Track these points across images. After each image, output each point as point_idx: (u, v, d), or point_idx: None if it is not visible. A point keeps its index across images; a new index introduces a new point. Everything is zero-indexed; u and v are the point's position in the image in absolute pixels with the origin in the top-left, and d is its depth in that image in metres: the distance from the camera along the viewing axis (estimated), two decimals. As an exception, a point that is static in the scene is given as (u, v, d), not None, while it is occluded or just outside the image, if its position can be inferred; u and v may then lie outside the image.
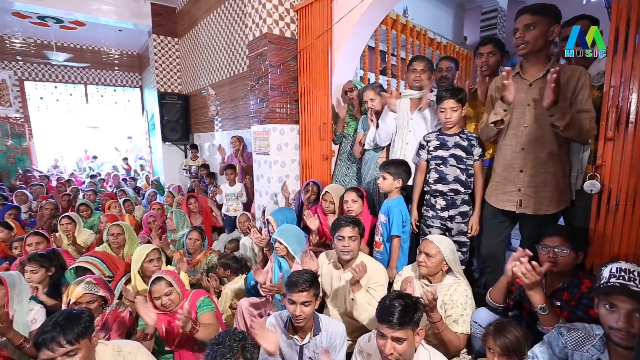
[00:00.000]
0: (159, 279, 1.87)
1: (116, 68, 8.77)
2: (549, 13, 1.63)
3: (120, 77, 8.86)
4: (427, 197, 2.25)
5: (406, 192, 2.34)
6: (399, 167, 2.22)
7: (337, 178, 3.07)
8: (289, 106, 3.30)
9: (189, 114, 6.25)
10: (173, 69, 6.36)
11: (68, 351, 1.23)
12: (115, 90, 8.93)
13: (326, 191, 2.65)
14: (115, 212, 4.09)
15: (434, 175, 2.17)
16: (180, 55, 6.35)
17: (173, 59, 6.34)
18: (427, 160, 2.22)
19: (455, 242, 1.99)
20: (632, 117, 1.50)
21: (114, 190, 5.76)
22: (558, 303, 1.54)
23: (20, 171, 7.03)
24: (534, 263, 1.40)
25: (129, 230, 2.96)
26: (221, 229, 4.14)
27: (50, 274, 2.24)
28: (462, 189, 2.11)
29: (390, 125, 2.49)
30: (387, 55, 3.88)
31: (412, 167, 2.30)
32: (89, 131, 9.86)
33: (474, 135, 2.13)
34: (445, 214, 2.15)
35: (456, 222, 2.14)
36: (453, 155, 2.11)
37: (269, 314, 2.02)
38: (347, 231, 1.94)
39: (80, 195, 5.03)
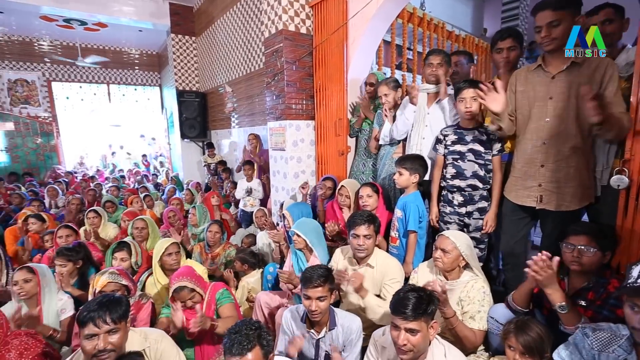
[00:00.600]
0: (181, 288, 1.88)
1: (136, 67, 9.03)
2: (570, 5, 1.56)
3: (141, 76, 9.12)
4: (444, 192, 2.22)
5: (422, 187, 2.32)
6: (415, 162, 2.20)
7: (354, 174, 3.07)
8: (304, 102, 3.31)
9: (206, 111, 6.36)
10: (191, 67, 6.49)
11: (111, 329, 1.34)
12: (135, 89, 9.21)
13: (342, 185, 2.66)
14: (137, 207, 4.24)
15: (451, 171, 2.13)
16: (198, 54, 6.46)
17: (191, 57, 6.45)
18: (444, 155, 2.18)
19: (472, 238, 1.96)
20: (663, 109, 1.44)
21: (136, 186, 5.97)
22: (583, 302, 1.48)
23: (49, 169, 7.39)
24: (545, 253, 1.36)
25: (152, 224, 3.10)
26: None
27: (77, 266, 2.37)
28: (481, 185, 2.06)
29: (410, 118, 2.46)
30: (402, 49, 3.81)
31: (428, 162, 2.27)
32: (111, 129, 10.23)
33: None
34: (463, 210, 2.11)
35: (474, 219, 2.10)
36: (471, 150, 2.07)
37: (286, 307, 2.05)
38: (363, 230, 1.93)
39: (104, 191, 5.23)
